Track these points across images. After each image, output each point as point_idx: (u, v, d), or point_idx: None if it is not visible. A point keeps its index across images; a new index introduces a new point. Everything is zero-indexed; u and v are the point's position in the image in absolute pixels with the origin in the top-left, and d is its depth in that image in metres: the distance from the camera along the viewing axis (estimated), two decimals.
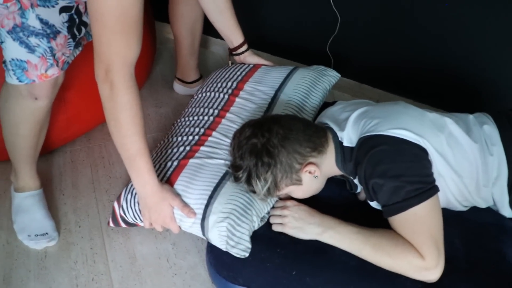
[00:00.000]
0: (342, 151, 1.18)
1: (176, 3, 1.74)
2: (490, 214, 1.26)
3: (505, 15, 1.61)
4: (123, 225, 1.34)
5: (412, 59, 1.91)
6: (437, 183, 1.13)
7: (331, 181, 1.30)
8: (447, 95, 1.90)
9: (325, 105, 1.44)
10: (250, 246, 1.16)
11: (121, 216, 1.31)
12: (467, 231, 1.23)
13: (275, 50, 2.19)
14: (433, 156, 1.13)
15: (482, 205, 1.24)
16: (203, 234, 1.19)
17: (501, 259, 1.17)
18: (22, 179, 1.43)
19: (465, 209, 1.26)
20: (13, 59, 1.16)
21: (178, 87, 1.98)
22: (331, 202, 1.29)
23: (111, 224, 1.35)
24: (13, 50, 1.16)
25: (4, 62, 1.18)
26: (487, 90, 1.80)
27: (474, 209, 1.26)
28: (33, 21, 1.13)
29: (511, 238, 1.23)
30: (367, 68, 2.04)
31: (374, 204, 1.19)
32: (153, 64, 2.11)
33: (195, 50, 1.88)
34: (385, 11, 1.85)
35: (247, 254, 1.15)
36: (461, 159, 1.16)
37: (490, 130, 1.20)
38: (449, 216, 1.23)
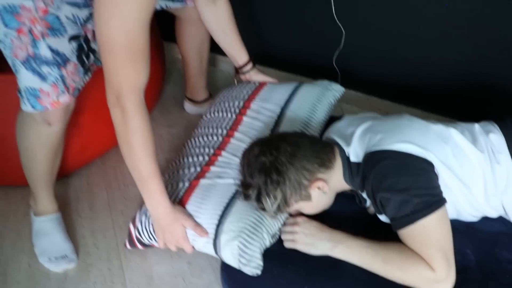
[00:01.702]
0: (350, 166, 1.21)
1: (182, 25, 1.77)
2: (502, 223, 1.26)
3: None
4: (139, 246, 1.37)
5: (417, 69, 1.91)
6: (445, 194, 1.15)
7: (340, 196, 1.32)
8: (455, 103, 1.90)
9: (332, 119, 1.47)
10: (262, 263, 1.18)
11: (137, 238, 1.34)
12: (479, 241, 1.24)
13: (283, 66, 2.22)
14: (439, 168, 1.14)
15: (493, 214, 1.25)
16: (216, 253, 1.23)
17: None
18: (40, 203, 1.47)
19: (476, 219, 1.27)
20: (27, 88, 1.21)
21: (189, 107, 2.01)
22: (341, 216, 1.32)
23: (128, 246, 1.38)
24: (27, 79, 1.20)
25: (19, 90, 1.23)
26: (496, 98, 1.81)
27: (486, 219, 1.27)
28: (44, 51, 1.18)
29: None
30: (374, 80, 2.05)
31: (383, 217, 1.21)
32: (164, 84, 2.15)
33: (203, 70, 1.90)
34: (388, 24, 1.88)
35: (259, 272, 1.18)
36: (468, 170, 1.18)
37: (496, 139, 1.21)
38: (460, 227, 1.26)
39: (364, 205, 1.31)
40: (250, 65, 1.66)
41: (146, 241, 1.33)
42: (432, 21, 1.78)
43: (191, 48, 1.81)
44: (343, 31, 1.94)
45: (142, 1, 1.02)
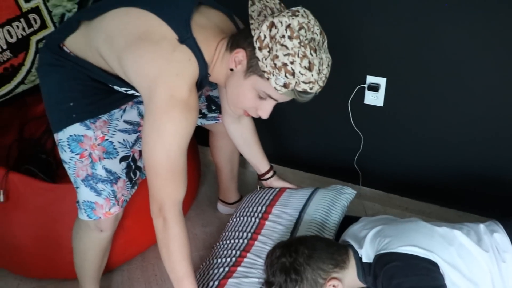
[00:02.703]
0: (362, 266, 1.29)
1: (215, 137, 1.92)
2: None
3: None
4: None
5: (435, 167, 1.99)
6: None
7: None
8: (473, 199, 1.96)
9: (351, 221, 1.54)
10: None
11: None
12: None
13: (309, 168, 2.31)
14: (444, 268, 1.21)
15: None
16: None
17: None
18: None
19: None
20: (84, 201, 1.38)
21: (221, 208, 2.11)
22: None
23: None
24: (85, 194, 1.37)
25: (78, 202, 1.40)
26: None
27: None
28: (100, 171, 1.36)
29: None
30: (393, 179, 2.12)
31: None
32: (199, 186, 2.26)
33: (234, 176, 2.02)
34: (400, 128, 1.99)
35: None
36: (475, 269, 1.23)
37: (501, 238, 1.27)
38: None
39: None
40: (271, 173, 1.78)
41: None
42: (445, 120, 1.89)
43: (223, 157, 1.92)
44: (362, 136, 2.06)
45: (182, 132, 1.18)
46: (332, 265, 1.28)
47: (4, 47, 1.82)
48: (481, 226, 1.34)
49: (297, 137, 2.31)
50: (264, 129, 2.28)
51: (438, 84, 1.82)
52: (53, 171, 1.88)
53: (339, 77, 2.00)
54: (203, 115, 1.74)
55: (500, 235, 1.29)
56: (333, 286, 1.27)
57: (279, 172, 2.33)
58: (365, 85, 1.96)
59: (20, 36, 1.85)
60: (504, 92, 1.72)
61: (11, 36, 1.83)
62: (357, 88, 1.98)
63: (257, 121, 2.28)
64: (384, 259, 1.23)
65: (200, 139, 2.15)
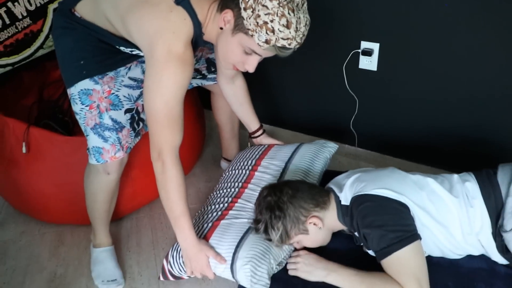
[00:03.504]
0: (341, 209, 1.41)
1: (215, 97, 2.02)
2: (483, 260, 1.40)
3: None
4: (170, 278, 1.57)
5: (427, 129, 2.06)
6: (424, 233, 1.31)
7: (340, 236, 1.51)
8: (463, 159, 2.02)
9: (339, 173, 1.63)
10: (269, 282, 1.39)
11: (168, 271, 1.55)
12: (461, 275, 1.38)
13: (308, 131, 2.40)
14: (415, 210, 1.32)
15: (475, 252, 1.39)
16: (233, 276, 1.42)
17: None
18: (98, 237, 1.72)
19: (459, 257, 1.41)
20: (93, 147, 1.53)
21: (224, 165, 2.22)
22: (339, 252, 1.50)
23: (161, 278, 1.58)
24: (94, 140, 1.52)
25: (88, 149, 1.55)
26: (497, 152, 1.93)
27: (469, 257, 1.41)
28: (107, 120, 1.50)
29: (500, 281, 1.35)
30: (388, 141, 2.19)
31: (371, 252, 1.39)
32: (204, 146, 2.38)
33: (235, 134, 2.13)
34: (393, 91, 2.06)
35: None
36: (444, 212, 1.34)
37: (472, 186, 1.37)
38: (444, 263, 1.41)
39: (359, 243, 1.48)
40: (261, 131, 1.90)
41: (176, 273, 1.54)
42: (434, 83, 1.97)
43: (224, 116, 2.03)
44: (357, 99, 2.15)
45: (178, 83, 1.31)
46: (313, 204, 1.41)
47: (24, 14, 1.98)
48: (455, 176, 1.44)
49: (295, 101, 2.40)
50: (264, 93, 2.40)
51: (428, 49, 1.90)
52: (69, 128, 2.05)
53: (334, 42, 2.11)
54: (203, 76, 1.86)
55: (471, 184, 1.38)
56: (314, 224, 1.40)
57: (280, 134, 2.48)
58: (359, 50, 2.04)
59: (38, 4, 2.01)
60: (491, 56, 1.79)
61: (31, 4, 1.99)
62: (351, 53, 2.07)
63: (258, 87, 2.39)
64: (359, 201, 1.35)
65: (206, 103, 2.23)
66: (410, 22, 1.89)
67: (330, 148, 1.85)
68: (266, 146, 1.89)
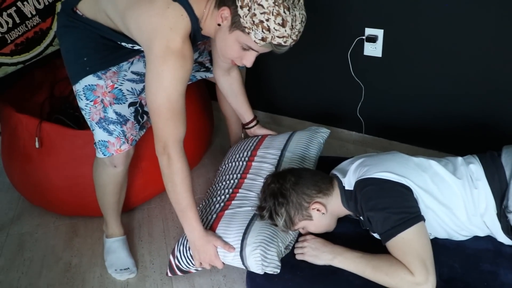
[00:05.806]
0: (345, 194, 1.43)
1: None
2: (489, 241, 1.40)
3: None
4: (178, 273, 1.57)
5: (432, 114, 2.07)
6: (428, 215, 1.32)
7: (347, 221, 1.53)
8: (469, 142, 2.03)
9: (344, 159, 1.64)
10: (279, 264, 1.40)
11: (176, 265, 1.56)
12: (467, 256, 1.39)
13: (314, 119, 2.43)
14: (418, 192, 1.32)
15: (480, 233, 1.39)
16: (243, 263, 1.42)
17: (493, 278, 1.32)
18: (110, 228, 1.76)
19: (465, 238, 1.41)
20: (99, 141, 1.56)
21: None
22: (346, 236, 1.52)
23: (169, 274, 1.57)
24: (99, 134, 1.55)
25: (95, 143, 1.58)
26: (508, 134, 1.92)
27: (475, 238, 1.41)
28: (111, 114, 1.53)
29: (506, 261, 1.35)
30: (394, 126, 2.21)
31: (376, 235, 1.40)
32: (213, 137, 2.42)
33: (241, 125, 2.09)
34: (398, 78, 2.07)
35: (278, 270, 1.40)
36: (448, 194, 1.34)
37: (476, 168, 1.37)
38: (451, 244, 1.42)
39: (365, 227, 1.48)
40: (254, 122, 1.92)
41: (184, 267, 1.54)
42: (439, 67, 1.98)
43: (230, 107, 2.03)
44: (363, 86, 2.16)
45: (179, 77, 1.32)
46: (315, 191, 1.43)
47: (34, 12, 2.03)
48: (459, 158, 1.44)
49: (301, 89, 2.41)
50: (270, 82, 2.42)
51: (432, 35, 1.90)
52: (80, 123, 2.09)
53: (339, 30, 2.12)
54: (207, 69, 1.88)
55: (475, 166, 1.38)
56: (317, 209, 1.42)
57: (286, 122, 2.51)
58: (363, 37, 2.06)
59: (47, 3, 2.06)
60: (497, 38, 1.79)
61: (39, 3, 2.04)
62: (356, 40, 2.08)
63: (264, 75, 2.39)
64: (362, 184, 1.36)
65: (215, 95, 2.22)
66: (414, 8, 1.89)
67: (322, 133, 1.87)
68: (259, 137, 1.90)
